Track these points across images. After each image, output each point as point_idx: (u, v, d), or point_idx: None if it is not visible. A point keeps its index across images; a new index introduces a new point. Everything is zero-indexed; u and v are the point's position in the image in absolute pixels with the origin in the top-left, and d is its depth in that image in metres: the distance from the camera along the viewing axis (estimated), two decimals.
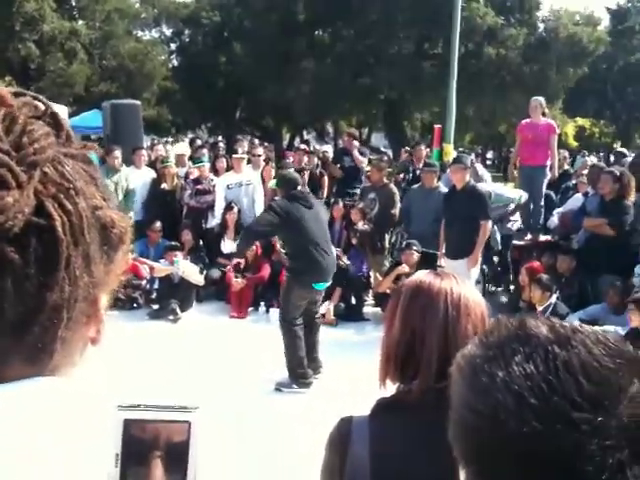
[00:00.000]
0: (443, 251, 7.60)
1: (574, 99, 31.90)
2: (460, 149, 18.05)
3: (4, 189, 0.60)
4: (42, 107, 0.69)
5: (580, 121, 35.86)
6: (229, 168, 9.77)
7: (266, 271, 8.35)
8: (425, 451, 1.45)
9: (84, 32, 27.67)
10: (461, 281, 1.65)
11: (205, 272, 8.54)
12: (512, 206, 8.97)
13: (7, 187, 0.60)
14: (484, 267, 8.29)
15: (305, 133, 35.54)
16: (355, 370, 5.94)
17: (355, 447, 1.55)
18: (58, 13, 27.57)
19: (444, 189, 8.43)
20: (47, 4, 25.95)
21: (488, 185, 8.88)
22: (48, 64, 26.04)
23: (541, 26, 29.49)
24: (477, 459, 0.73)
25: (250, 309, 8.19)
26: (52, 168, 0.65)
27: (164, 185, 9.43)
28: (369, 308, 8.34)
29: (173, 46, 35.99)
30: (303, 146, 13.05)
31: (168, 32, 36.23)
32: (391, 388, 1.63)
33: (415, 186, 9.13)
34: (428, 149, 13.07)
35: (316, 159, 11.82)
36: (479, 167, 9.87)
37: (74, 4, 29.99)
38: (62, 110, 9.67)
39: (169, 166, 9.54)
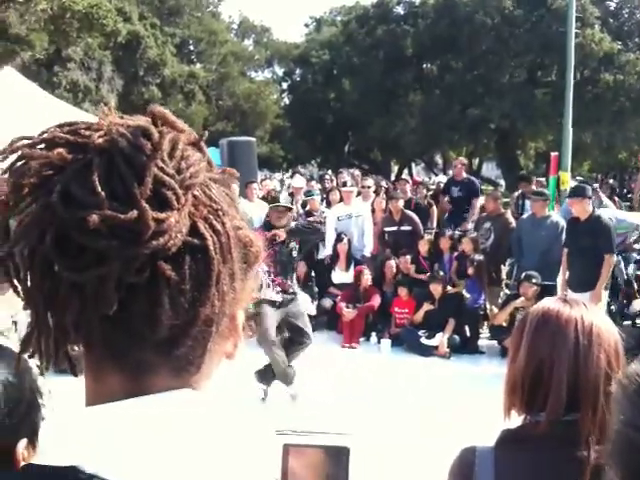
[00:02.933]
0: (562, 281, 7.29)
1: None
2: (578, 177, 17.33)
3: (168, 210, 0.63)
4: (194, 136, 0.72)
5: None
6: (341, 200, 9.89)
7: (377, 301, 8.32)
8: None
9: (202, 75, 29.27)
10: (592, 309, 1.57)
11: (316, 302, 8.65)
12: (637, 234, 8.49)
13: (171, 208, 0.64)
14: (609, 300, 7.86)
15: (414, 165, 35.48)
16: (469, 404, 5.76)
17: (479, 478, 1.50)
18: (178, 58, 29.36)
19: (557, 217, 8.11)
20: (168, 50, 27.69)
21: (609, 211, 8.47)
22: (169, 105, 27.62)
23: None
24: None
25: (361, 339, 8.17)
26: (201, 191, 0.68)
27: None
28: (484, 341, 8.09)
29: (284, 85, 37.27)
30: (406, 177, 12.98)
31: (280, 72, 37.66)
32: (515, 419, 1.56)
33: (525, 215, 8.86)
34: (543, 178, 12.65)
35: (425, 190, 11.74)
36: (602, 195, 9.47)
37: (192, 49, 31.87)
38: None
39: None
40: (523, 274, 7.62)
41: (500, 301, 8.35)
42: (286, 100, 36.96)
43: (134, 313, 0.64)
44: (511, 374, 1.56)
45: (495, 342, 7.83)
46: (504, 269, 8.98)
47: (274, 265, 5.96)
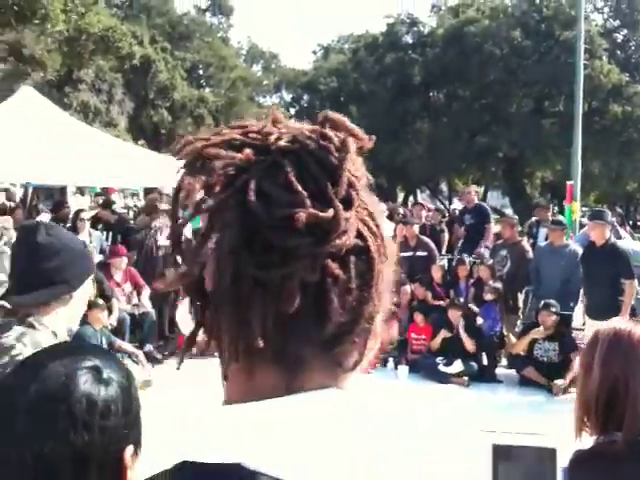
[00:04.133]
0: (583, 308, 7.28)
1: None
2: (584, 208, 17.41)
3: (351, 210, 0.66)
4: (366, 140, 0.75)
5: None
6: None
7: (394, 327, 8.25)
8: None
9: (211, 99, 29.57)
10: None
11: None
12: None
13: (351, 208, 0.66)
14: None
15: (419, 192, 35.62)
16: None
17: None
18: (188, 82, 29.67)
19: (575, 246, 8.10)
20: (178, 74, 27.99)
21: (626, 242, 8.46)
22: (178, 129, 27.85)
23: None
24: None
25: (377, 365, 8.08)
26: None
27: None
28: (502, 369, 7.99)
29: (292, 111, 37.56)
30: (421, 201, 13.02)
31: (288, 98, 37.98)
32: (587, 440, 1.57)
33: (543, 244, 8.85)
34: (555, 208, 12.68)
35: (440, 216, 11.75)
36: (620, 228, 9.50)
37: (202, 73, 32.21)
38: None
39: None
40: (542, 303, 7.56)
41: (517, 330, 8.27)
42: None
43: (304, 311, 0.64)
44: (583, 394, 1.58)
45: (513, 371, 7.74)
46: (520, 297, 8.92)
47: None
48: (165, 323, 8.61)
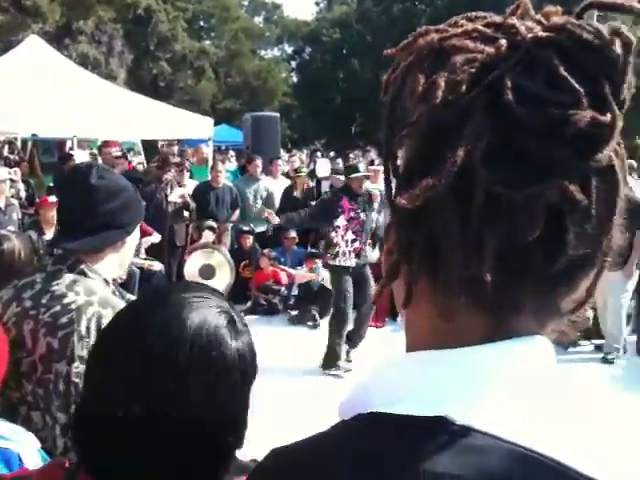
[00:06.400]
0: None
1: None
2: None
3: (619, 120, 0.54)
4: None
5: None
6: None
7: None
8: None
9: (212, 51, 29.03)
10: None
11: None
12: None
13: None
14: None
15: None
16: None
17: None
18: (188, 33, 29.09)
19: None
20: (179, 25, 27.41)
21: None
22: (178, 82, 27.43)
23: None
24: None
25: (387, 319, 8.11)
26: None
27: (296, 193, 9.60)
28: None
29: (293, 63, 36.99)
30: None
31: (289, 50, 37.39)
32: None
33: None
34: None
35: None
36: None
37: (203, 25, 31.57)
38: (209, 122, 10.08)
39: (302, 176, 9.75)
40: None
41: None
42: (294, 79, 36.71)
43: (529, 243, 0.53)
44: None
45: None
46: None
47: (360, 233, 5.99)
48: (173, 277, 8.61)
